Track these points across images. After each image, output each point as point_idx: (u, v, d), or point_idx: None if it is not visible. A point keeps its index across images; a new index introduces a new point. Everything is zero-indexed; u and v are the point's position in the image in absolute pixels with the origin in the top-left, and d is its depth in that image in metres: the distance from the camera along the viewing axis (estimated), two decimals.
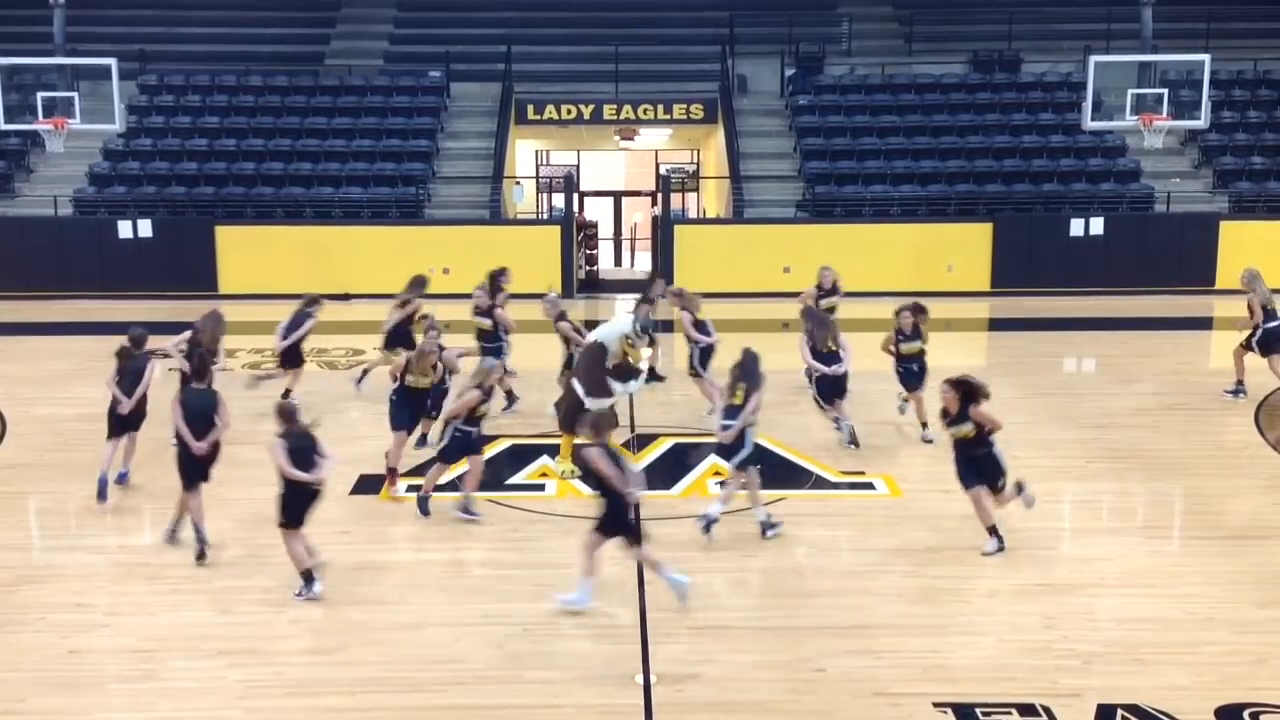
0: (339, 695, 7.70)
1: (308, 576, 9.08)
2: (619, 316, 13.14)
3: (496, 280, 15.06)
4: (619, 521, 8.78)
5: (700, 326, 14.22)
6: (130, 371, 11.63)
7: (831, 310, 14.96)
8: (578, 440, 10.69)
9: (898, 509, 11.13)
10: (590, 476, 8.98)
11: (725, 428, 10.29)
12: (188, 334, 12.68)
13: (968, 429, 9.72)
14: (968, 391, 9.68)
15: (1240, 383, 15.11)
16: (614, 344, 12.22)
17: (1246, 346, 14.99)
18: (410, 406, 11.80)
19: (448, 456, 10.81)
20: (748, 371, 10.48)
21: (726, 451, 10.38)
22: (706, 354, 14.19)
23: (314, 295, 14.90)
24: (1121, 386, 16.03)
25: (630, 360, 12.32)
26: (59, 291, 23.29)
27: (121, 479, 11.81)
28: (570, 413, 11.67)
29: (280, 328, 14.50)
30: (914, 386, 13.18)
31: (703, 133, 29.58)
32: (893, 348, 13.16)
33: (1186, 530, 10.83)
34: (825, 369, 12.78)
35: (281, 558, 9.92)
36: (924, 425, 13.10)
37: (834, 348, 12.88)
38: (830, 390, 12.94)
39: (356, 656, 8.22)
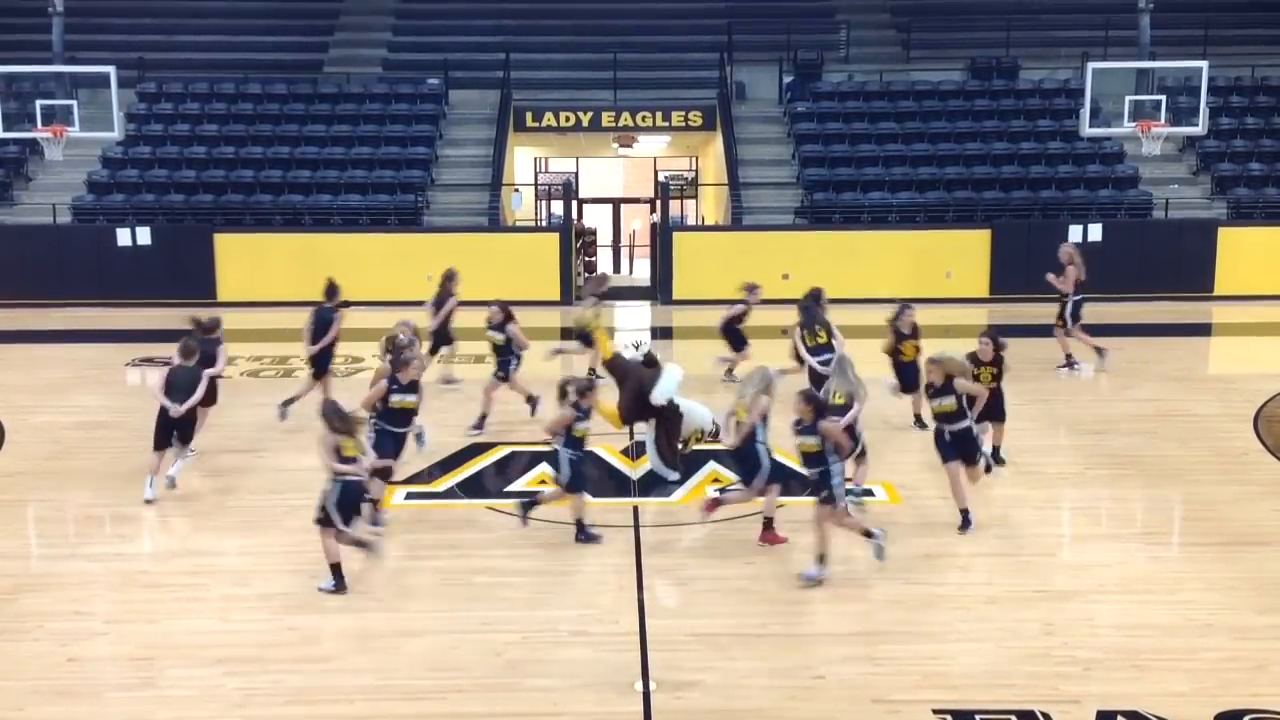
0: (337, 703, 7.69)
1: None
2: (670, 371, 12.40)
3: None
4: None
5: None
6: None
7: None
8: None
9: (897, 515, 11.12)
10: None
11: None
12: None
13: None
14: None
15: (1069, 357, 16.88)
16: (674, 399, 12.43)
17: (1061, 320, 16.83)
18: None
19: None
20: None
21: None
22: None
23: (331, 286, 14.94)
24: (1120, 392, 16.04)
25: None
26: (57, 299, 23.29)
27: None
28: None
29: (306, 332, 14.44)
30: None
31: (701, 140, 29.61)
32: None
33: (1186, 536, 10.83)
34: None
35: (279, 564, 9.94)
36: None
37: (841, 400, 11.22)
38: None
39: (355, 664, 8.22)
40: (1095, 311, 22.22)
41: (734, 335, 16.35)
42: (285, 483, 12.18)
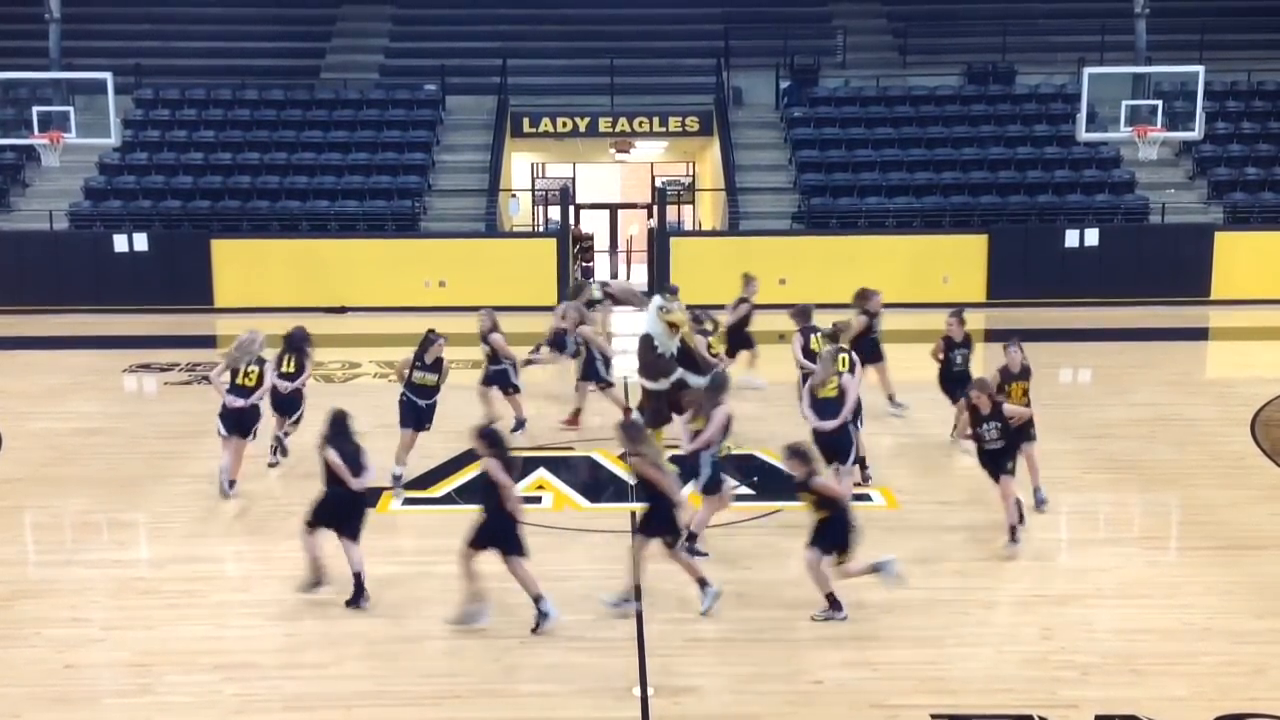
0: (335, 709, 7.67)
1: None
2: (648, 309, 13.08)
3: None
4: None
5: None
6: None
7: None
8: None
9: (894, 521, 11.12)
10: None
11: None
12: None
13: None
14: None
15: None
16: (656, 326, 12.54)
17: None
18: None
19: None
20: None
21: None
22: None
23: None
24: (1117, 397, 16.05)
25: (677, 327, 12.61)
26: (55, 306, 23.28)
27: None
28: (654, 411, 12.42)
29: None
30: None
31: (698, 145, 29.64)
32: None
33: (1183, 541, 10.84)
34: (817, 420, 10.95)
35: (277, 570, 9.92)
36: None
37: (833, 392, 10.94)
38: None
39: (353, 670, 8.20)
40: (1092, 316, 22.35)
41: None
42: (282, 489, 12.16)
